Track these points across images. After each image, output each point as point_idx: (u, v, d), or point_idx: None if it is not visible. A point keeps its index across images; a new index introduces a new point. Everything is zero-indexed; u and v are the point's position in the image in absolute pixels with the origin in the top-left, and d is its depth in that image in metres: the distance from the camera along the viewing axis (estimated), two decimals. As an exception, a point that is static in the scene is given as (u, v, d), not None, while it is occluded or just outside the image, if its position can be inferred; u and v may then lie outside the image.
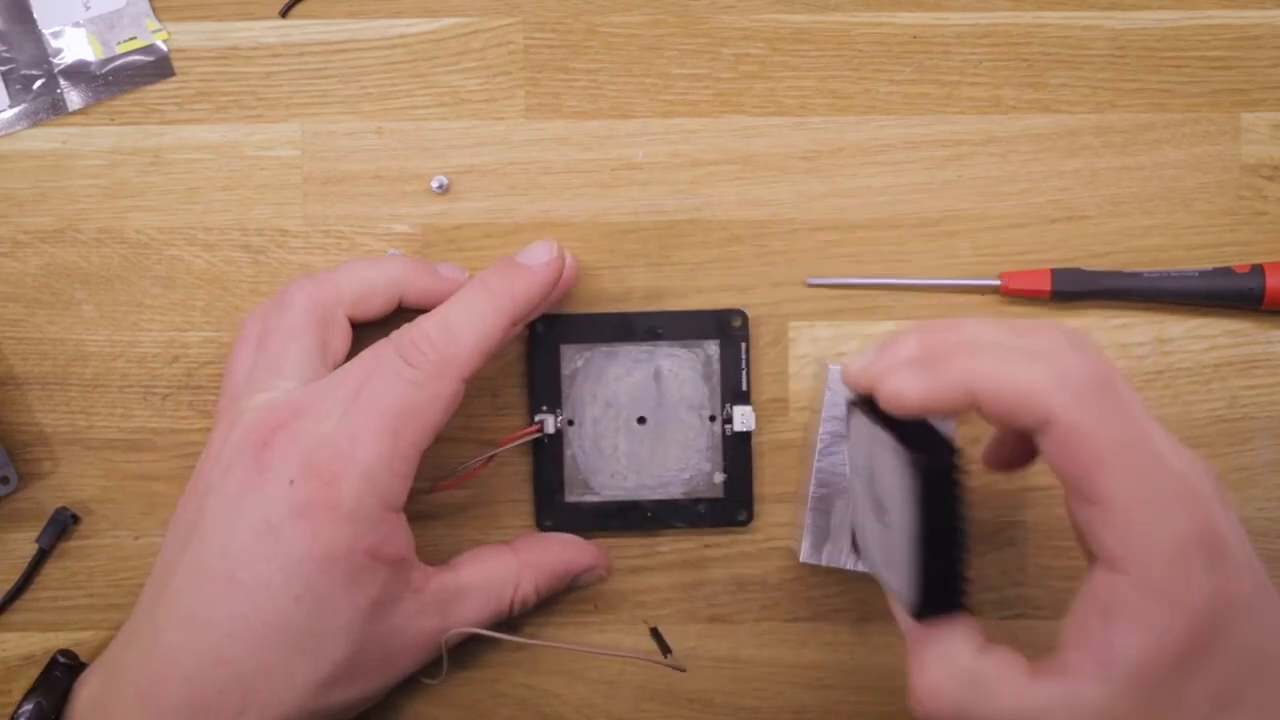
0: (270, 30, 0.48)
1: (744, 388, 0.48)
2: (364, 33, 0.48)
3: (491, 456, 0.47)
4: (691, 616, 0.49)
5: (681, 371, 0.48)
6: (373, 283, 0.44)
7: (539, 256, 0.42)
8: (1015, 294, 0.48)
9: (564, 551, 0.46)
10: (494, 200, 0.49)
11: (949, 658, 0.34)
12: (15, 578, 0.48)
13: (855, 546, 0.37)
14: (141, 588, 0.43)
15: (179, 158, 0.48)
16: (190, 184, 0.48)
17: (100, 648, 0.46)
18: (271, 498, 0.39)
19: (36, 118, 0.48)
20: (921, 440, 0.34)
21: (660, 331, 0.48)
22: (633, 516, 0.48)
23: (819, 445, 0.46)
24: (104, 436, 0.48)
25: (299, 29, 0.48)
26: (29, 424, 0.48)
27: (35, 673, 0.45)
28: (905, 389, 0.34)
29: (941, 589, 0.34)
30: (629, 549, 0.49)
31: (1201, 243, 0.49)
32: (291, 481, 0.39)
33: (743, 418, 0.48)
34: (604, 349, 0.48)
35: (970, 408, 0.34)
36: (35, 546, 0.48)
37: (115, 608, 0.48)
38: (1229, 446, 0.49)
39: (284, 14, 0.48)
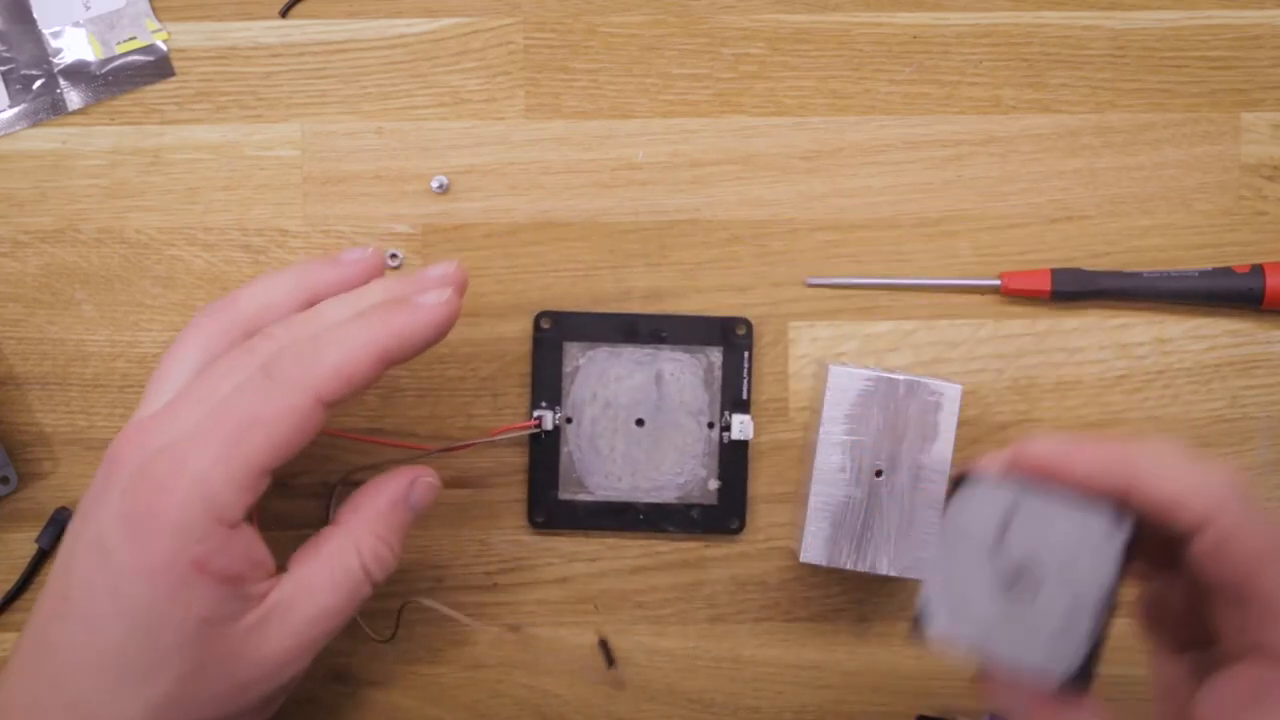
0: (270, 30, 0.48)
1: (744, 396, 0.48)
2: (364, 33, 0.48)
3: (474, 444, 0.47)
4: (691, 617, 0.49)
5: (683, 376, 0.48)
6: (272, 296, 0.41)
7: (430, 298, 0.40)
8: (1015, 294, 0.48)
9: (380, 490, 0.43)
10: (494, 200, 0.49)
11: None
12: (15, 578, 0.48)
13: (919, 620, 0.36)
14: None
15: (179, 158, 0.48)
16: (190, 184, 0.48)
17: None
18: (103, 513, 0.37)
19: (36, 118, 0.48)
20: (1092, 505, 0.34)
21: (664, 335, 0.48)
22: (625, 518, 0.48)
23: (819, 445, 0.46)
24: (104, 436, 0.48)
25: (299, 29, 0.48)
26: (29, 424, 0.48)
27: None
28: (1063, 451, 0.34)
29: (1095, 661, 0.34)
30: (629, 549, 0.49)
31: (1201, 243, 0.49)
32: (123, 491, 0.37)
33: (741, 426, 0.47)
34: (607, 349, 0.48)
35: (1117, 493, 0.34)
36: (35, 546, 0.48)
37: (116, 607, 0.48)
38: (1229, 446, 0.49)
39: (284, 14, 0.48)
